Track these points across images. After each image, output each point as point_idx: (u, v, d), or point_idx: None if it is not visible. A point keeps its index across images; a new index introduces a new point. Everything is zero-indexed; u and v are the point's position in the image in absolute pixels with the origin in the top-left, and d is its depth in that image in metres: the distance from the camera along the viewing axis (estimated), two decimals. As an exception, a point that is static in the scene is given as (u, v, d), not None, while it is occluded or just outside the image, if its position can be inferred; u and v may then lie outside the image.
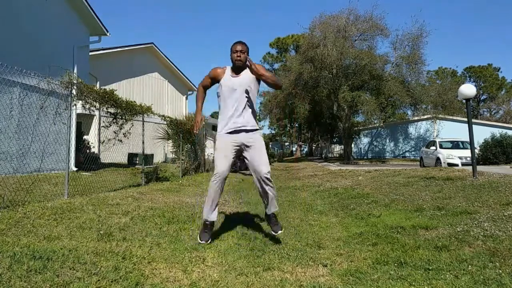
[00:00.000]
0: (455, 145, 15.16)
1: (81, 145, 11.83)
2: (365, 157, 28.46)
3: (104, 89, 6.90)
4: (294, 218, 4.66)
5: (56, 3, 10.26)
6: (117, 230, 3.45)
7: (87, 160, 9.76)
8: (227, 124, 3.30)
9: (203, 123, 3.49)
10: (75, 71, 10.29)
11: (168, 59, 20.28)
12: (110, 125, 7.02)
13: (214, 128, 35.12)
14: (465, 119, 15.73)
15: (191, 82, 22.48)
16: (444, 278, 2.37)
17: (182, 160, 10.50)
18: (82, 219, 3.74)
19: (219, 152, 3.28)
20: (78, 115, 10.56)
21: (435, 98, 22.74)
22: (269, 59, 41.83)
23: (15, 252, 2.50)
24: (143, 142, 7.81)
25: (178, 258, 2.82)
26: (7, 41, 8.41)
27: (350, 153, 24.10)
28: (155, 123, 9.58)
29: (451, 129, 24.18)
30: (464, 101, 8.29)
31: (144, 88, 18.61)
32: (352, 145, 26.71)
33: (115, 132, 7.07)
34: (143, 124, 7.75)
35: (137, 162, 12.49)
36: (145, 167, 8.17)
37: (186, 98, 22.58)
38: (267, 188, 3.28)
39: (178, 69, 21.16)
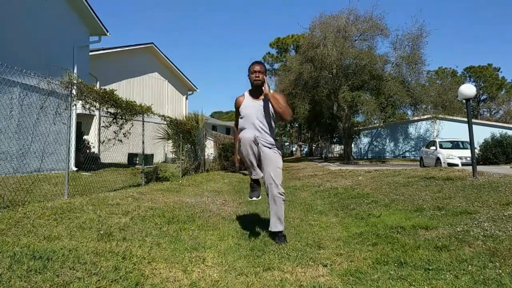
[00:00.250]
0: (455, 145, 15.16)
1: (81, 145, 11.83)
2: (365, 157, 28.45)
3: (104, 89, 6.90)
4: (294, 218, 4.66)
5: (56, 3, 10.26)
6: (117, 230, 3.44)
7: (87, 160, 9.76)
8: (251, 131, 3.38)
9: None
10: (75, 71, 10.29)
11: (168, 59, 20.29)
12: (110, 125, 7.02)
13: (214, 128, 35.06)
14: (465, 119, 15.74)
15: (191, 82, 22.49)
16: (444, 278, 2.37)
17: (182, 160, 10.51)
18: (82, 219, 3.73)
19: (242, 132, 3.36)
20: (78, 115, 10.56)
21: (435, 98, 22.73)
22: (269, 59, 41.82)
23: (15, 252, 2.50)
24: (143, 142, 7.81)
25: (178, 258, 2.82)
26: (7, 41, 8.41)
27: (350, 153, 24.10)
28: (155, 123, 9.58)
29: (451, 129, 24.18)
30: (464, 101, 8.29)
31: (144, 88, 18.61)
32: (352, 145, 26.71)
33: (115, 132, 7.07)
34: (143, 124, 7.75)
35: (137, 162, 12.50)
36: (145, 167, 8.17)
37: (186, 98, 22.59)
38: (273, 205, 3.40)
39: (178, 69, 21.17)
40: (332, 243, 3.46)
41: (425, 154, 15.83)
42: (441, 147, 14.78)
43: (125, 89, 16.08)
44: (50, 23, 10.03)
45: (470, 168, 7.43)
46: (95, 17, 11.62)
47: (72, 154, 9.43)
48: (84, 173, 8.55)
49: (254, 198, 3.50)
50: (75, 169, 9.68)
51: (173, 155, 12.89)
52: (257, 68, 3.37)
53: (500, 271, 2.40)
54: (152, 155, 13.44)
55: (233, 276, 2.51)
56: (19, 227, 3.26)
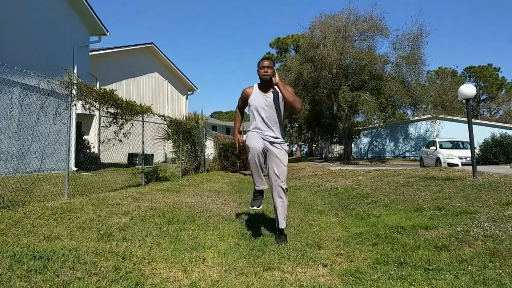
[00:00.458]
0: (455, 145, 15.16)
1: (81, 145, 11.84)
2: (365, 157, 28.45)
3: (104, 89, 6.90)
4: (294, 218, 4.66)
5: (56, 3, 10.27)
6: (117, 230, 3.44)
7: (87, 160, 9.76)
8: (259, 129, 3.47)
9: (241, 140, 3.76)
10: (75, 71, 10.30)
11: (168, 59, 20.29)
12: (110, 125, 7.02)
13: (214, 128, 35.02)
14: (465, 119, 15.75)
15: (191, 82, 22.49)
16: (444, 278, 2.37)
17: (182, 160, 10.50)
18: (82, 219, 3.73)
19: (250, 138, 3.43)
20: (78, 115, 10.57)
21: (435, 98, 22.73)
22: (269, 59, 41.75)
23: (15, 252, 2.50)
24: (143, 142, 7.81)
25: (178, 258, 2.82)
26: (7, 41, 8.41)
27: (350, 153, 24.10)
28: (155, 123, 9.58)
29: (451, 129, 24.19)
30: (464, 101, 8.29)
31: (144, 88, 18.62)
32: (352, 145, 26.70)
33: (115, 132, 7.07)
34: (143, 124, 7.75)
35: (137, 162, 12.50)
36: (145, 167, 8.16)
37: (186, 98, 22.59)
38: (278, 199, 3.45)
39: (178, 69, 21.17)
40: (332, 243, 3.46)
41: (425, 154, 15.83)
42: (441, 147, 14.78)
43: (125, 89, 16.09)
44: (50, 23, 10.04)
45: (470, 168, 7.43)
46: (95, 17, 11.62)
47: (72, 154, 9.43)
48: (84, 173, 8.55)
49: (255, 208, 3.51)
50: (75, 169, 9.68)
51: (173, 155, 12.89)
52: (265, 63, 3.42)
53: (500, 271, 2.40)
54: (152, 155, 13.44)
55: (233, 276, 2.51)
56: (19, 227, 3.26)
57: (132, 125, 7.38)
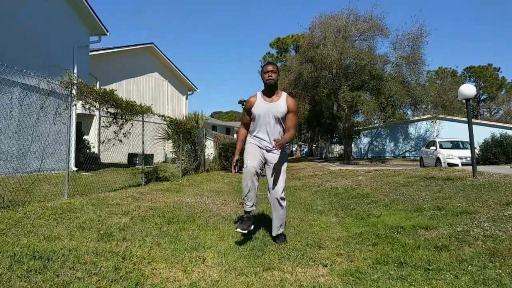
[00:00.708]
0: (455, 145, 15.16)
1: (81, 145, 11.84)
2: (365, 157, 28.45)
3: (104, 89, 6.90)
4: (294, 218, 4.66)
5: (56, 3, 10.26)
6: (117, 230, 3.45)
7: (87, 160, 9.76)
8: (256, 135, 3.49)
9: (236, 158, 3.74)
10: (75, 71, 10.30)
11: (168, 59, 20.29)
12: (110, 125, 7.02)
13: (214, 128, 35.06)
14: (465, 119, 15.75)
15: (191, 82, 22.49)
16: (444, 278, 2.37)
17: (182, 160, 10.50)
18: (82, 219, 3.74)
19: (248, 152, 3.45)
20: (78, 115, 10.57)
21: (435, 98, 22.73)
22: (269, 59, 41.82)
23: (15, 252, 2.50)
24: (143, 142, 7.81)
25: (178, 258, 2.82)
26: (7, 41, 8.41)
27: (350, 153, 24.10)
28: (155, 123, 9.58)
29: (451, 129, 24.19)
30: (464, 101, 8.29)
31: (144, 88, 18.62)
32: (352, 145, 26.70)
33: (115, 132, 7.07)
34: (143, 124, 7.75)
35: (137, 162, 12.50)
36: (145, 167, 8.16)
37: (186, 98, 22.59)
38: (276, 208, 3.45)
39: (178, 69, 21.16)
40: (332, 243, 3.46)
41: (425, 154, 15.83)
42: (441, 147, 14.78)
43: (125, 89, 16.09)
44: (50, 23, 10.04)
45: (470, 168, 7.43)
46: (95, 17, 11.62)
47: (72, 154, 9.43)
48: (84, 173, 8.55)
49: (239, 230, 3.32)
50: (75, 169, 9.68)
51: (173, 155, 12.89)
52: (270, 68, 3.42)
53: (500, 271, 2.40)
54: (152, 155, 13.44)
55: (233, 276, 2.51)
56: (19, 227, 3.26)
57: (132, 125, 7.38)
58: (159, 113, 8.84)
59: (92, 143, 12.87)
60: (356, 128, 26.73)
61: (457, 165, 12.43)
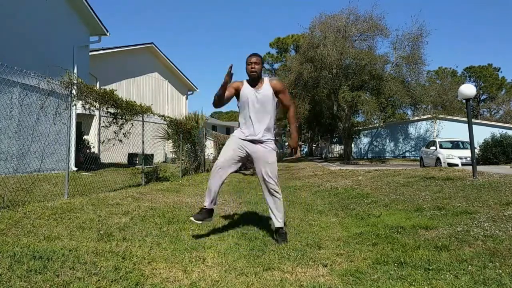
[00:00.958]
0: (455, 145, 15.17)
1: (81, 145, 11.84)
2: (365, 157, 28.45)
3: (104, 89, 6.90)
4: (294, 218, 4.66)
5: (56, 3, 10.27)
6: (117, 230, 3.45)
7: (87, 160, 9.76)
8: (243, 132, 3.46)
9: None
10: (75, 71, 10.30)
11: (168, 59, 20.29)
12: (110, 125, 7.02)
13: (214, 128, 35.01)
14: (465, 119, 15.74)
15: (191, 82, 22.49)
16: (444, 278, 2.37)
17: (182, 160, 10.50)
18: (82, 219, 3.74)
19: (224, 148, 3.47)
20: (78, 115, 10.57)
21: (435, 98, 22.75)
22: (269, 59, 41.80)
23: (15, 252, 2.50)
24: (143, 142, 7.81)
25: (178, 258, 2.82)
26: (7, 41, 8.41)
27: (350, 153, 24.11)
28: (155, 123, 9.58)
29: (451, 129, 24.19)
30: (464, 101, 8.29)
31: (144, 88, 18.62)
32: (352, 145, 26.70)
33: (115, 132, 7.07)
34: (143, 124, 7.75)
35: (137, 162, 12.49)
36: (145, 167, 8.17)
37: (186, 98, 22.59)
38: (271, 198, 3.44)
39: (178, 69, 21.16)
40: (332, 243, 3.46)
41: (425, 154, 15.83)
42: (441, 147, 14.78)
43: (125, 89, 16.09)
44: (50, 23, 10.03)
45: (470, 168, 7.44)
46: (95, 17, 11.62)
47: (72, 154, 9.43)
48: (84, 173, 8.55)
49: (192, 219, 3.36)
50: (75, 169, 9.68)
51: (173, 155, 12.89)
52: (253, 59, 3.39)
53: (500, 271, 2.40)
54: (152, 155, 13.44)
55: (233, 276, 2.51)
56: (19, 227, 3.26)
57: (132, 125, 7.38)
58: (159, 113, 8.84)
59: (92, 143, 12.88)
60: (356, 128, 26.74)
61: (457, 165, 12.44)
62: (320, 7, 79.75)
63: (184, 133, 10.41)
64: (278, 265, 2.76)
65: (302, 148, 46.44)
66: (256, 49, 58.85)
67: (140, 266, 2.57)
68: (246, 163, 12.37)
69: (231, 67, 3.21)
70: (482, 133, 17.68)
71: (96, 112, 9.10)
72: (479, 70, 48.95)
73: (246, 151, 3.42)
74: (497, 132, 16.65)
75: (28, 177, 6.27)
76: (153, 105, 8.62)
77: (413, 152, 27.20)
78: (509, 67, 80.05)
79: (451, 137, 16.95)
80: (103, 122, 7.38)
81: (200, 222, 3.39)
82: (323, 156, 34.56)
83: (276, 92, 3.46)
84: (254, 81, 3.43)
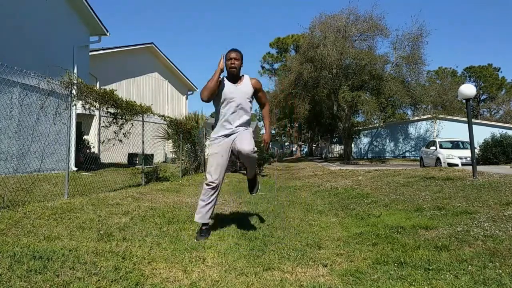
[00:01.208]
0: (455, 145, 15.17)
1: (81, 145, 11.83)
2: (365, 157, 28.45)
3: (104, 89, 6.90)
4: (294, 218, 4.66)
5: (56, 3, 10.26)
6: (117, 230, 3.45)
7: (87, 160, 9.76)
8: (220, 130, 3.47)
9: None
10: (75, 71, 10.29)
11: (168, 59, 20.28)
12: (110, 125, 7.01)
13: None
14: (465, 119, 15.75)
15: (191, 82, 22.48)
16: (444, 278, 2.37)
17: (182, 160, 10.50)
18: (82, 219, 3.74)
19: (212, 160, 3.47)
20: (78, 115, 10.57)
21: (435, 98, 22.76)
22: (269, 59, 41.85)
23: (15, 252, 2.50)
24: (143, 142, 7.81)
25: (178, 258, 2.82)
26: (7, 41, 8.41)
27: (350, 153, 24.11)
28: (155, 123, 9.58)
29: (451, 129, 24.19)
30: (464, 101, 8.29)
31: (144, 88, 18.61)
32: (352, 145, 26.72)
33: (115, 132, 7.07)
34: (143, 124, 7.75)
35: (137, 162, 12.49)
36: (145, 167, 8.16)
37: (186, 98, 22.58)
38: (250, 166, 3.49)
39: (178, 69, 21.16)
40: (332, 243, 3.46)
41: (425, 154, 15.83)
42: (441, 147, 14.78)
43: (125, 89, 16.08)
44: (50, 23, 10.03)
45: (470, 168, 7.44)
46: (95, 17, 11.62)
47: (72, 154, 9.43)
48: (84, 173, 8.55)
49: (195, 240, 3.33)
50: (75, 169, 9.68)
51: (173, 155, 12.88)
52: (233, 55, 3.40)
53: (500, 271, 2.40)
54: (152, 155, 13.43)
55: (233, 276, 2.51)
56: (19, 227, 3.26)
57: (132, 125, 7.38)
58: (159, 113, 8.84)
59: (92, 143, 12.87)
60: (356, 128, 26.76)
61: (457, 165, 12.44)
62: (320, 7, 79.79)
63: (184, 133, 10.40)
64: (278, 265, 2.76)
65: (302, 148, 46.44)
66: (256, 49, 58.96)
67: (140, 266, 2.57)
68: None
69: (223, 56, 3.29)
70: (482, 133, 17.68)
71: (96, 112, 9.10)
72: (479, 70, 48.97)
73: (230, 148, 3.45)
74: (497, 132, 16.65)
75: (28, 177, 6.27)
76: (153, 105, 8.62)
77: (413, 152, 27.20)
78: (509, 67, 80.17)
79: (451, 137, 16.96)
80: (103, 122, 7.38)
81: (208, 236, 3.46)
82: (323, 156, 34.58)
83: (256, 91, 3.51)
84: (234, 77, 3.44)
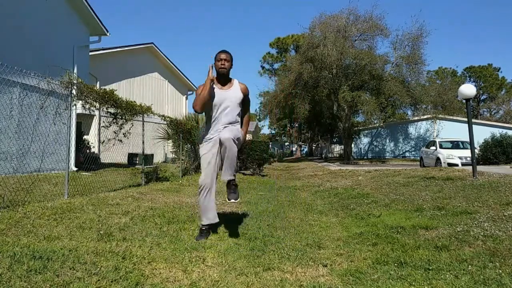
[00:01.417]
0: (455, 145, 15.17)
1: (81, 145, 11.83)
2: (365, 157, 28.45)
3: (104, 89, 6.89)
4: (294, 218, 4.66)
5: (56, 3, 10.26)
6: (117, 230, 3.45)
7: (87, 160, 9.76)
8: (210, 133, 3.45)
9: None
10: (75, 71, 10.29)
11: (168, 59, 20.27)
12: (110, 125, 7.01)
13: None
14: (465, 119, 15.74)
15: (191, 82, 22.48)
16: (444, 278, 2.37)
17: (182, 160, 10.50)
18: (82, 219, 3.74)
19: (205, 161, 3.43)
20: (78, 115, 10.56)
21: (435, 98, 22.76)
22: (269, 59, 41.82)
23: (15, 252, 2.50)
24: (143, 142, 7.81)
25: (178, 258, 2.82)
26: (7, 41, 8.41)
27: (350, 153, 24.11)
28: (155, 123, 9.58)
29: (451, 129, 24.18)
30: (464, 101, 8.29)
31: (144, 88, 18.61)
32: (352, 145, 26.71)
33: (115, 132, 7.06)
34: (143, 124, 7.74)
35: (137, 162, 12.49)
36: (145, 167, 8.16)
37: (186, 98, 22.58)
38: (227, 153, 3.31)
39: (178, 69, 21.16)
40: (332, 243, 3.46)
41: (425, 154, 15.83)
42: (441, 147, 14.78)
43: (125, 89, 16.07)
44: (50, 23, 10.03)
45: (470, 168, 7.44)
46: (95, 17, 11.61)
47: (72, 154, 9.43)
48: (84, 173, 8.54)
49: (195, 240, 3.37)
50: (75, 169, 9.68)
51: (173, 155, 12.88)
52: (223, 56, 3.39)
53: (500, 271, 2.40)
54: (152, 155, 13.43)
55: (233, 276, 2.51)
56: (19, 227, 3.26)
57: (132, 125, 7.37)
58: (159, 113, 8.83)
59: (92, 143, 12.87)
60: (356, 128, 26.75)
61: (457, 165, 12.44)
62: (320, 7, 79.67)
63: (184, 133, 10.40)
64: (278, 265, 2.76)
65: (302, 148, 46.44)
66: (256, 49, 58.92)
67: (140, 266, 2.57)
68: (247, 163, 12.40)
69: (212, 66, 3.28)
70: (482, 133, 17.68)
71: (96, 112, 9.10)
72: (479, 70, 48.95)
73: (218, 142, 3.39)
74: (497, 132, 16.64)
75: (28, 177, 6.26)
76: (153, 105, 8.61)
77: (413, 152, 27.20)
78: (509, 67, 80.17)
79: (451, 137, 16.95)
80: (103, 122, 7.37)
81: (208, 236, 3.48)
82: (323, 156, 34.58)
83: (244, 97, 3.50)
84: (223, 78, 3.44)
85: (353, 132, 25.30)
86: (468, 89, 7.05)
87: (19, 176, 6.24)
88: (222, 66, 3.37)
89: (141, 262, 2.64)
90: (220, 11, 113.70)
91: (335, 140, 33.29)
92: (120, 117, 7.03)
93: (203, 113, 3.55)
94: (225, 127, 3.41)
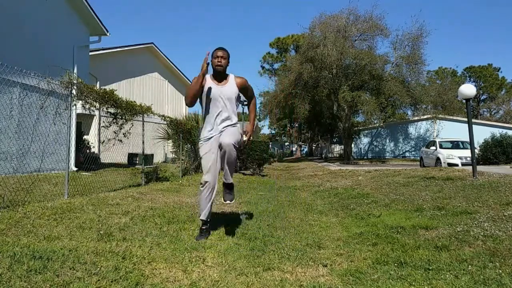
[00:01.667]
0: (455, 145, 15.17)
1: (81, 145, 11.83)
2: (365, 157, 28.45)
3: (104, 89, 6.89)
4: (294, 218, 4.66)
5: (56, 3, 10.26)
6: (117, 230, 3.44)
7: (87, 160, 9.76)
8: (208, 130, 3.45)
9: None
10: (75, 71, 10.29)
11: (168, 59, 20.28)
12: (110, 125, 7.01)
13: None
14: (465, 119, 15.74)
15: (191, 82, 22.47)
16: (444, 278, 2.37)
17: (182, 160, 10.50)
18: (82, 219, 3.74)
19: (205, 158, 3.44)
20: (78, 115, 10.56)
21: (435, 98, 22.76)
22: (269, 59, 41.81)
23: (15, 252, 2.50)
24: (143, 142, 7.81)
25: (178, 258, 2.82)
26: (7, 41, 8.41)
27: (350, 153, 24.11)
28: (155, 123, 9.57)
29: (451, 129, 24.19)
30: (464, 101, 8.30)
31: (144, 88, 18.61)
32: (352, 145, 26.71)
33: (115, 132, 7.06)
34: (143, 124, 7.74)
35: (137, 162, 12.48)
36: (145, 167, 8.16)
37: (186, 98, 22.57)
38: (228, 157, 3.35)
39: (178, 69, 21.16)
40: (332, 243, 3.46)
41: (425, 154, 15.83)
42: (441, 147, 14.78)
43: (125, 89, 16.08)
44: (50, 23, 10.03)
45: (470, 168, 7.44)
46: (95, 17, 11.61)
47: (72, 154, 9.43)
48: (84, 173, 8.54)
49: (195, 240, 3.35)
50: (75, 169, 9.68)
51: (173, 155, 12.88)
52: (219, 53, 3.42)
53: (500, 271, 2.40)
54: (152, 155, 13.43)
55: (233, 276, 2.51)
56: (19, 227, 3.26)
57: (132, 125, 7.37)
58: (159, 113, 8.83)
59: (92, 143, 12.87)
60: (356, 128, 26.76)
61: (457, 165, 12.44)
62: (320, 7, 79.70)
63: (184, 133, 10.39)
64: (278, 265, 2.76)
65: (302, 148, 46.43)
66: (256, 49, 58.96)
67: (140, 266, 2.57)
68: (247, 163, 12.39)
69: (208, 54, 3.28)
70: (482, 133, 17.68)
71: (96, 112, 9.10)
72: (479, 70, 48.95)
73: (218, 144, 3.39)
74: (497, 132, 16.65)
75: (28, 177, 6.26)
76: (153, 105, 8.61)
77: (413, 152, 27.20)
78: (509, 67, 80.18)
79: (451, 137, 16.95)
80: (103, 122, 7.37)
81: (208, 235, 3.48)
82: (323, 156, 34.58)
83: (242, 89, 3.53)
84: (219, 75, 3.45)
85: (353, 132, 25.31)
86: (468, 89, 7.05)
87: (19, 176, 6.24)
88: (219, 63, 3.39)
89: (141, 262, 2.64)
90: (220, 11, 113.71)
91: (335, 140, 33.29)
92: (120, 117, 7.03)
93: (203, 114, 3.56)
94: (224, 127, 3.42)
